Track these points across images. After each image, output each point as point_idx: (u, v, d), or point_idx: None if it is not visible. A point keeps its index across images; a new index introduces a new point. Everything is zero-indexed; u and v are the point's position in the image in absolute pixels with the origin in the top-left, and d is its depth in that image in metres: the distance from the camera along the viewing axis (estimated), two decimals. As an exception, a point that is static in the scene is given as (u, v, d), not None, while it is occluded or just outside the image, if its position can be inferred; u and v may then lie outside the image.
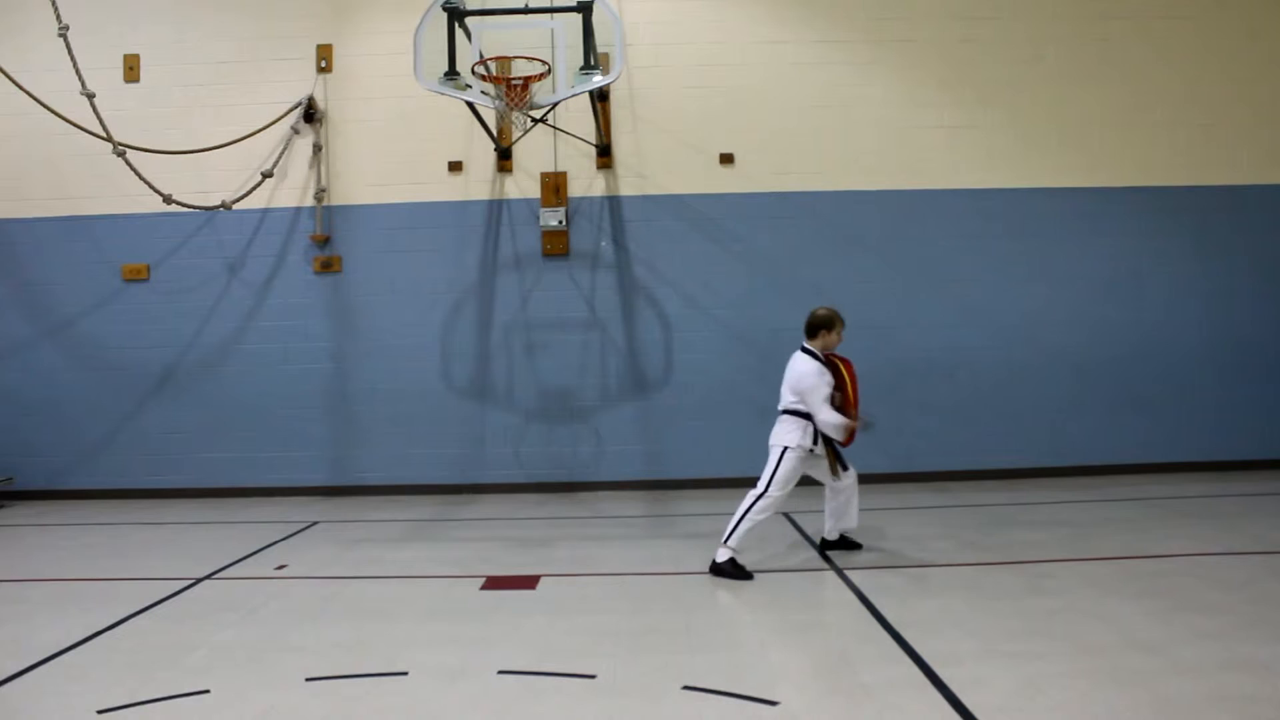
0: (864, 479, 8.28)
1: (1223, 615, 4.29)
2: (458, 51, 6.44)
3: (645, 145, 8.67)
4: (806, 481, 5.62)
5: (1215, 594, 4.65)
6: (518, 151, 8.66)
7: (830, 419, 5.23)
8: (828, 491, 5.66)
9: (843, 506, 5.65)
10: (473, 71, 6.50)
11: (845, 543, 5.81)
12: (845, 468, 5.62)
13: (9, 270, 8.77)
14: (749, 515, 5.30)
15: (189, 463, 8.65)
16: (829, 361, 5.48)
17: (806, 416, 5.35)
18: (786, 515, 7.06)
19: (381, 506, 7.99)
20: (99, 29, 8.54)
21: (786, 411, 5.43)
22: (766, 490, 5.34)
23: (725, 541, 5.31)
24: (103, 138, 6.67)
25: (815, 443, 5.39)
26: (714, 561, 5.35)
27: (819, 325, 5.46)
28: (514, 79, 6.56)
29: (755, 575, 5.28)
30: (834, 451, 5.51)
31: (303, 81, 8.73)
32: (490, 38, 6.53)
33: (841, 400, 5.42)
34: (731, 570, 5.27)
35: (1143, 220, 8.64)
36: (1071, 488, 7.93)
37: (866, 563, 5.54)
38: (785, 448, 5.34)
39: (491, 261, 8.69)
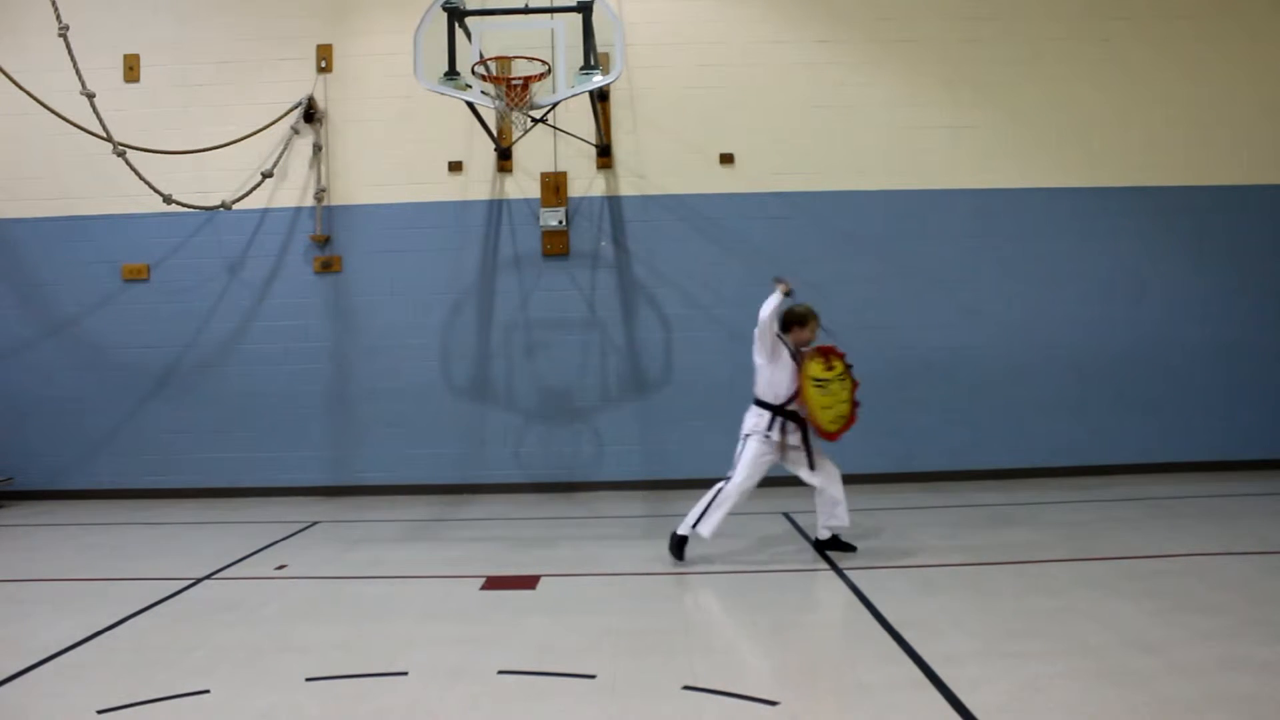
0: (864, 479, 8.39)
1: (1223, 615, 4.29)
2: (458, 51, 6.44)
3: (645, 145, 8.67)
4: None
5: (1215, 594, 4.65)
6: (518, 151, 8.66)
7: (764, 312, 5.53)
8: (815, 491, 5.73)
9: (829, 505, 5.71)
10: (473, 71, 6.50)
11: (838, 544, 5.80)
12: (813, 466, 5.68)
13: (9, 270, 8.78)
14: (717, 501, 5.51)
15: (189, 463, 8.65)
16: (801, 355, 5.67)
17: (768, 406, 5.62)
18: (786, 515, 7.07)
19: (381, 506, 7.99)
20: (99, 29, 8.54)
21: (755, 402, 5.71)
22: (730, 476, 5.57)
23: (693, 525, 5.50)
24: (103, 138, 6.67)
25: (775, 430, 5.57)
26: (674, 533, 5.63)
27: (791, 321, 5.75)
28: (514, 79, 6.56)
29: (750, 573, 5.28)
30: (808, 443, 5.64)
31: (303, 81, 8.74)
32: (490, 38, 6.53)
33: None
34: (678, 548, 5.56)
35: (1143, 220, 8.64)
36: (1071, 488, 7.93)
37: (866, 563, 5.54)
38: (747, 434, 5.62)
39: (491, 261, 8.69)
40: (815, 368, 5.59)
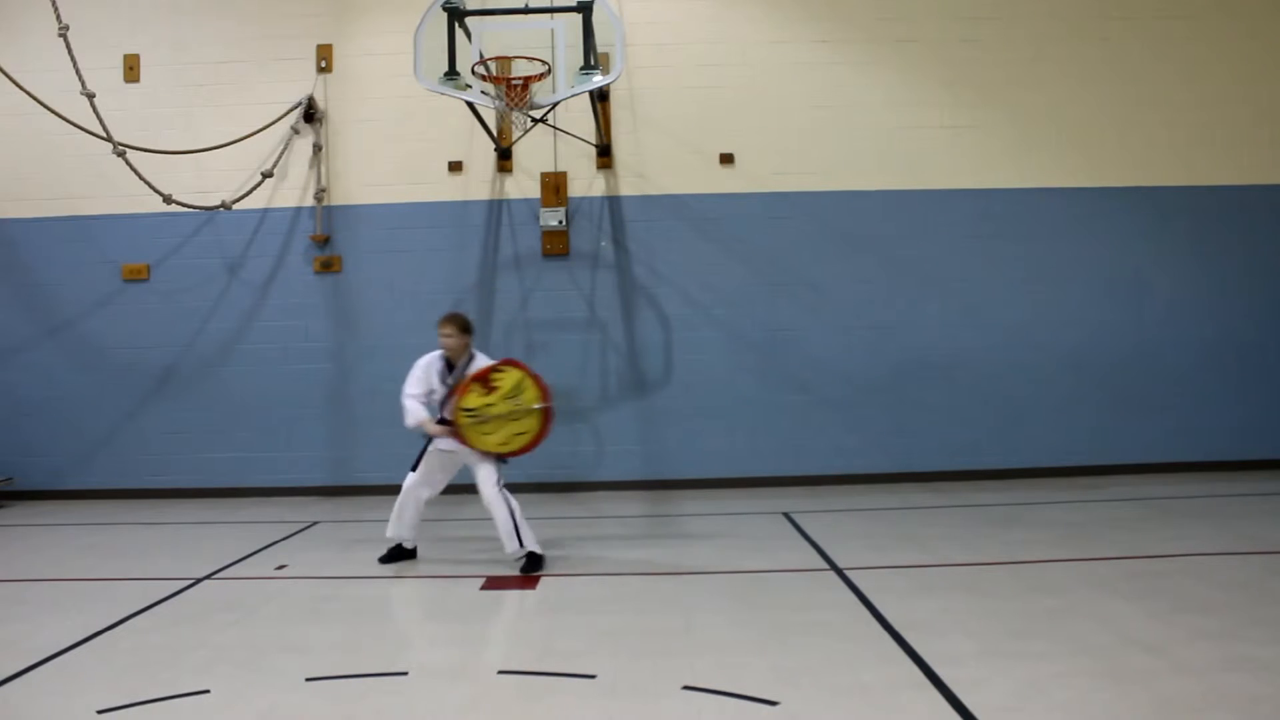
0: (865, 479, 8.40)
1: (1223, 615, 4.29)
2: (458, 51, 6.44)
3: (645, 145, 8.67)
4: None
5: (1215, 594, 4.65)
6: (518, 151, 8.66)
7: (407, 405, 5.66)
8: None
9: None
10: (473, 71, 6.50)
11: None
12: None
13: (9, 270, 8.77)
14: (520, 517, 5.58)
15: (189, 463, 8.65)
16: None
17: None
18: (786, 515, 7.07)
19: (381, 506, 7.91)
20: (99, 29, 8.54)
21: None
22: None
23: (530, 543, 5.54)
24: (103, 138, 6.67)
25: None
26: (532, 553, 5.55)
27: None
28: (514, 79, 6.56)
29: (750, 573, 5.28)
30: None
31: (303, 81, 8.73)
32: (490, 38, 6.53)
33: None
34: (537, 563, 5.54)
35: (1143, 220, 8.64)
36: (1071, 488, 7.93)
37: (866, 563, 5.53)
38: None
39: (491, 261, 8.69)
40: (469, 399, 5.54)
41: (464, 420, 5.51)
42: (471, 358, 5.79)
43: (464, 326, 5.77)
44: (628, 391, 8.58)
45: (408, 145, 8.68)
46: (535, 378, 5.64)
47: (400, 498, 5.77)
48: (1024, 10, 8.70)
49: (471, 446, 5.57)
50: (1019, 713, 3.29)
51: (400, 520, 5.79)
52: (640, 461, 8.55)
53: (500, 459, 5.66)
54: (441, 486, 5.85)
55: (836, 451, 8.48)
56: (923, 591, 4.89)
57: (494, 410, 5.52)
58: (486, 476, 5.60)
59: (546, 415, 5.62)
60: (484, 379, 5.56)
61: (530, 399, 5.56)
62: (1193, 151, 8.66)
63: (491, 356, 8.57)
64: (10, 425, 8.70)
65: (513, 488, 8.48)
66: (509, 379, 5.58)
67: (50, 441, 8.71)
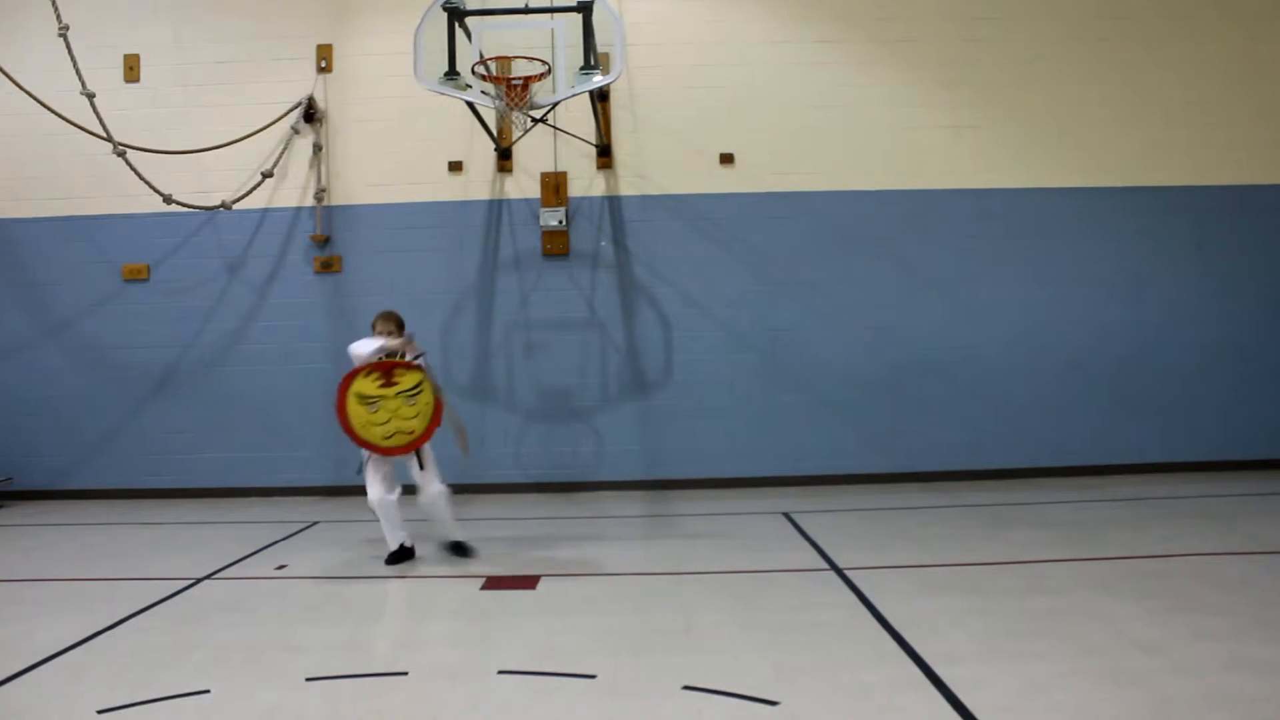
0: (865, 479, 8.41)
1: (1223, 615, 4.29)
2: (458, 51, 6.45)
3: (645, 145, 8.67)
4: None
5: (1215, 594, 4.65)
6: (518, 151, 8.66)
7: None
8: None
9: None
10: (473, 71, 6.50)
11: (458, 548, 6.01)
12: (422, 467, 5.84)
13: (9, 270, 8.77)
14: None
15: (189, 463, 8.65)
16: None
17: None
18: (786, 515, 7.07)
19: (381, 506, 7.97)
20: (99, 29, 8.54)
21: None
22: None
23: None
24: (103, 138, 6.67)
25: None
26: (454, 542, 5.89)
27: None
28: (514, 79, 6.57)
29: (750, 573, 5.27)
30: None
31: (303, 81, 8.73)
32: (490, 38, 6.54)
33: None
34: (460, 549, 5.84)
35: (1143, 220, 8.64)
36: (1071, 488, 7.93)
37: (867, 563, 5.53)
38: None
39: (491, 261, 8.69)
40: (365, 384, 5.61)
41: (355, 405, 5.59)
42: (419, 356, 5.91)
43: (400, 324, 5.96)
44: (628, 391, 8.58)
45: (408, 145, 8.69)
46: (436, 389, 5.71)
47: (378, 512, 5.79)
48: (1024, 10, 8.70)
49: (351, 431, 5.61)
50: (1019, 713, 3.29)
51: (393, 529, 5.84)
52: (640, 461, 8.55)
53: (372, 451, 5.69)
54: (396, 481, 5.86)
55: (836, 451, 8.48)
56: (923, 591, 4.89)
57: (389, 403, 5.58)
58: (431, 478, 5.78)
59: (435, 424, 5.69)
60: (388, 372, 5.63)
61: (426, 402, 5.63)
62: (1193, 151, 8.66)
63: (491, 356, 8.70)
64: (10, 425, 8.70)
65: (513, 488, 8.57)
66: (410, 379, 5.65)
67: (50, 441, 8.70)
